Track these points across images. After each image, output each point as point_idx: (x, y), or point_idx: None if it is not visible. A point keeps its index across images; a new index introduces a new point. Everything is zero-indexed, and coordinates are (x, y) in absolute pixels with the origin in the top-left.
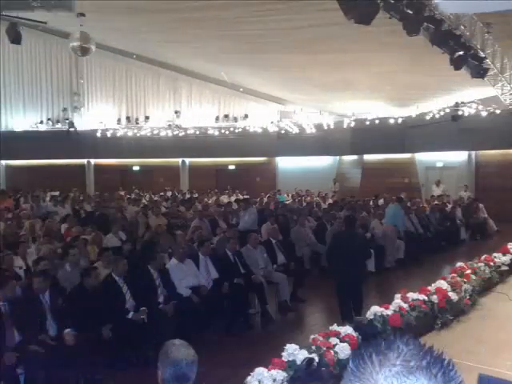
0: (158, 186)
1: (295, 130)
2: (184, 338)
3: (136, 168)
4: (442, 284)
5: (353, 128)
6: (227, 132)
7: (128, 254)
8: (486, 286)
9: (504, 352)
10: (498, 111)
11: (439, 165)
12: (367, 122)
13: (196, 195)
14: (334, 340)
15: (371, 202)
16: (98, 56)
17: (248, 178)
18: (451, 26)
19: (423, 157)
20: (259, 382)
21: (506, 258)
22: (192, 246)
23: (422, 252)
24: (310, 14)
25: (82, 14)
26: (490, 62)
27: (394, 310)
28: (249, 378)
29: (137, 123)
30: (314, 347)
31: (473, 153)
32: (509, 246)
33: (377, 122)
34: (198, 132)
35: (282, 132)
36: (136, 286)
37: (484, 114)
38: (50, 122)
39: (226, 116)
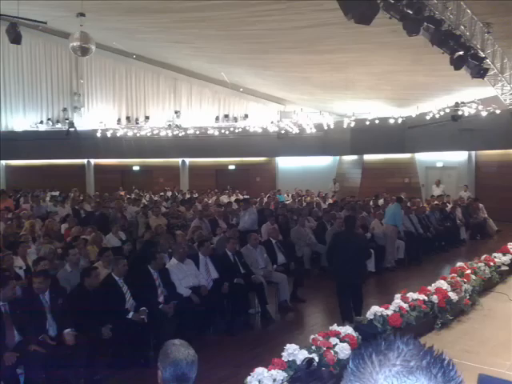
0: (158, 186)
1: (295, 130)
2: (184, 338)
3: (136, 168)
4: (442, 284)
5: (353, 128)
6: (227, 132)
7: (128, 253)
8: (486, 286)
9: (504, 352)
10: (498, 111)
11: (439, 165)
12: (367, 122)
13: (196, 195)
14: (334, 340)
15: (371, 202)
16: (98, 56)
17: (248, 178)
18: (451, 26)
19: (423, 157)
20: (259, 382)
21: (506, 258)
22: (192, 246)
23: (422, 252)
24: (310, 14)
25: (82, 14)
26: (490, 62)
27: (394, 310)
28: (249, 378)
29: (137, 123)
30: (313, 347)
31: (473, 153)
32: (509, 246)
33: (377, 122)
34: (198, 132)
35: (282, 132)
36: (136, 286)
37: (484, 114)
38: (50, 122)
39: (226, 116)
